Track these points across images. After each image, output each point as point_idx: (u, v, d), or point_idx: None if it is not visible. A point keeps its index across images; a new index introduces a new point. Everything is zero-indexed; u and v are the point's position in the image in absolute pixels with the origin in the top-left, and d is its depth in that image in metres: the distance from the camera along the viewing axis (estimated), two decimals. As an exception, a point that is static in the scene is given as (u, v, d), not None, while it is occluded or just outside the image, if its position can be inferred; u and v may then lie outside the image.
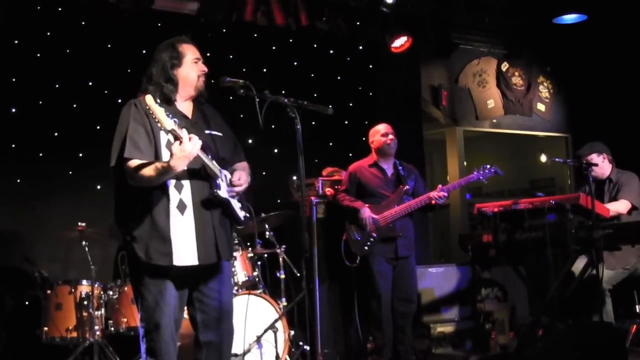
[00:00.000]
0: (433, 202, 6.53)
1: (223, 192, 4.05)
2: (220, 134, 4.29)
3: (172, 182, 3.97)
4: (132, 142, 3.90)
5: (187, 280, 4.09)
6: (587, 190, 6.46)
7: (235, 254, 6.30)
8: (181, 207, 3.98)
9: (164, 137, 3.94)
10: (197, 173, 4.02)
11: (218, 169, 4.05)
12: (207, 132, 4.19)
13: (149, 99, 3.60)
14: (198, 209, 4.02)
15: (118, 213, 4.18)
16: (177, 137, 3.65)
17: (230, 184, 4.12)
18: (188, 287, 4.14)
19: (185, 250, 3.97)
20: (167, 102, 4.05)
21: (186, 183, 4.01)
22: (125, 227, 4.10)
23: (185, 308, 4.26)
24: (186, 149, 3.66)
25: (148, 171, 3.83)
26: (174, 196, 3.98)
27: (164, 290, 3.99)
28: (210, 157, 4.00)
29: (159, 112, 3.58)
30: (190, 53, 4.18)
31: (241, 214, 4.22)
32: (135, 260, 4.01)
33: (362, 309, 6.85)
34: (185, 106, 4.21)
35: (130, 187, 3.97)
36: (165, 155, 3.91)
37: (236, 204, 4.19)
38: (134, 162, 3.88)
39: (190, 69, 4.15)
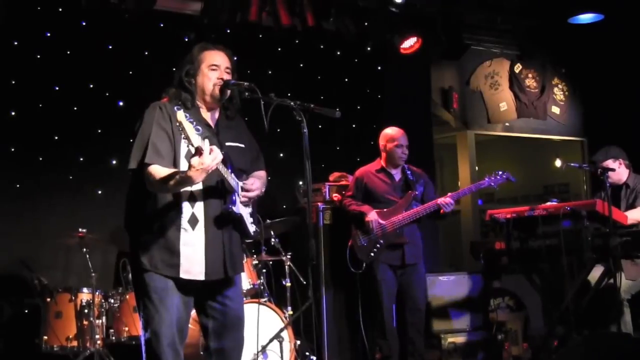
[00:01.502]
0: (441, 210, 6.52)
1: (237, 208, 4.07)
2: (242, 145, 4.30)
3: (185, 196, 3.99)
4: (154, 148, 3.92)
5: (194, 290, 4.11)
6: (603, 196, 6.44)
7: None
8: (193, 221, 4.01)
9: (184, 145, 3.95)
10: (214, 187, 4.04)
11: (235, 183, 4.07)
12: (228, 143, 4.19)
13: (180, 115, 3.60)
14: (209, 224, 4.04)
15: (128, 217, 4.19)
16: (198, 150, 3.65)
17: (243, 189, 4.12)
18: (195, 297, 4.16)
19: (192, 264, 4.00)
20: (187, 108, 4.06)
21: (200, 197, 4.02)
22: (133, 232, 4.12)
23: (196, 315, 4.30)
24: (205, 161, 3.66)
25: (166, 179, 3.85)
26: (186, 210, 4.00)
27: (166, 298, 4.00)
28: (229, 170, 4.02)
29: (189, 128, 3.59)
30: (208, 59, 4.16)
31: (252, 228, 4.24)
32: (138, 267, 4.04)
33: (367, 318, 6.84)
34: (210, 114, 4.22)
35: (144, 193, 3.99)
36: (183, 163, 3.94)
37: (248, 219, 4.21)
38: (153, 168, 3.89)
39: (206, 77, 4.14)
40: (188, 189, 3.96)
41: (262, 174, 4.43)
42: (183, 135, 3.61)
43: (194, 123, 3.76)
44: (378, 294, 6.54)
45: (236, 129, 4.33)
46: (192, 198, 4.01)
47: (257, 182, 4.22)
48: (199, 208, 4.03)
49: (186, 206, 4.00)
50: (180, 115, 3.61)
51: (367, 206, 6.64)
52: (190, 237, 4.00)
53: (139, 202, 4.06)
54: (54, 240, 6.89)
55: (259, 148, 4.50)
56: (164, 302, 3.99)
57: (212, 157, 3.68)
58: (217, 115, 4.26)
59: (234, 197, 4.06)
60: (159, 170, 3.88)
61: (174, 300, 4.03)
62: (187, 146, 3.74)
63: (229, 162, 4.04)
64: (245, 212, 4.18)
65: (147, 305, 4.02)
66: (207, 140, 3.70)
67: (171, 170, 3.87)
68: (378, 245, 6.53)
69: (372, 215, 6.56)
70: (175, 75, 4.19)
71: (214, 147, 3.70)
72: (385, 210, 6.60)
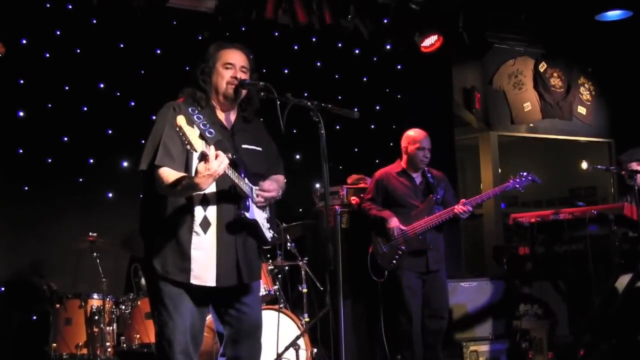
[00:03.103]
0: (461, 217, 6.47)
1: (251, 214, 4.07)
2: (259, 148, 4.30)
3: (198, 199, 4.00)
4: (165, 149, 3.93)
5: (209, 297, 4.13)
6: (630, 199, 6.40)
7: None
8: (204, 225, 4.02)
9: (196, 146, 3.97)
10: (227, 192, 4.04)
11: (249, 188, 4.07)
12: (244, 146, 4.20)
13: (180, 119, 3.61)
14: (222, 228, 4.05)
15: (142, 221, 4.23)
16: (203, 155, 3.66)
17: (260, 190, 4.13)
18: (210, 304, 4.19)
19: (204, 270, 4.01)
20: (201, 107, 4.09)
21: (213, 201, 4.03)
22: (146, 236, 4.15)
23: (212, 322, 4.33)
24: (212, 167, 3.67)
25: (174, 184, 3.87)
26: (198, 213, 4.01)
27: (180, 305, 4.02)
28: (242, 174, 4.03)
29: (190, 133, 3.60)
30: (223, 58, 4.17)
31: (268, 234, 4.24)
32: (152, 273, 4.06)
33: (388, 326, 6.83)
34: (225, 115, 4.23)
35: (157, 195, 4.02)
36: (195, 165, 3.94)
37: (264, 224, 4.21)
38: (163, 171, 3.92)
39: (220, 76, 4.15)
40: (200, 191, 3.96)
41: (279, 177, 4.43)
42: (185, 141, 3.61)
43: (207, 125, 3.80)
44: (404, 302, 6.52)
45: (254, 132, 4.33)
46: (205, 201, 4.02)
47: (274, 184, 4.21)
48: (212, 211, 4.03)
49: (198, 209, 4.01)
50: (181, 119, 3.61)
51: (388, 212, 6.62)
52: (202, 240, 4.01)
53: (152, 205, 4.09)
54: (63, 244, 6.92)
55: (279, 153, 4.50)
56: (178, 308, 4.01)
57: (219, 162, 3.68)
58: (233, 116, 4.26)
59: (247, 203, 4.06)
60: (168, 174, 3.90)
61: (188, 307, 4.04)
62: (187, 149, 3.75)
63: (242, 167, 4.05)
64: (261, 217, 4.18)
65: (161, 311, 4.04)
66: (212, 146, 3.71)
67: (179, 175, 3.89)
68: (400, 252, 6.51)
69: (394, 223, 6.53)
70: (192, 74, 4.20)
71: (220, 153, 3.70)
72: (406, 215, 6.58)
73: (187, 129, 3.59)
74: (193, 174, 3.81)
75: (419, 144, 6.65)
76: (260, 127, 4.40)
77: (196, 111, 3.99)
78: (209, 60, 4.17)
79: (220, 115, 4.20)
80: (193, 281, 3.99)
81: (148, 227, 4.15)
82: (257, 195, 4.11)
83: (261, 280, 6.28)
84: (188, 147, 3.64)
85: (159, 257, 4.01)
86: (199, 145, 3.63)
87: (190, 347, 4.05)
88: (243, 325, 4.19)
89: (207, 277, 4.02)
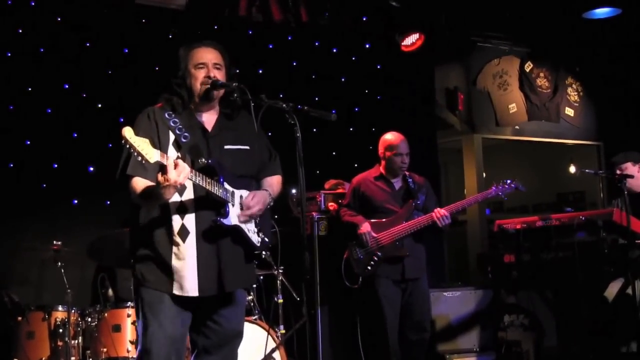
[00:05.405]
0: (439, 223, 6.46)
1: (230, 220, 4.07)
2: (246, 147, 4.29)
3: (174, 207, 4.02)
4: (137, 159, 3.91)
5: (191, 306, 4.13)
6: (620, 204, 6.43)
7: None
8: (183, 234, 4.03)
9: (172, 151, 4.01)
10: (204, 198, 4.05)
11: (230, 192, 4.08)
12: (226, 147, 4.20)
13: (125, 131, 3.59)
14: (202, 237, 4.06)
15: (130, 228, 4.30)
16: (160, 166, 3.67)
17: (242, 206, 4.13)
18: (192, 313, 4.18)
19: (185, 280, 4.03)
20: (178, 113, 4.11)
21: (191, 208, 4.05)
22: (131, 244, 4.21)
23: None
24: (170, 178, 3.67)
25: (141, 195, 3.92)
26: (176, 222, 4.04)
27: (159, 313, 4.04)
28: (220, 179, 4.02)
29: (139, 144, 3.59)
30: (194, 58, 4.17)
31: (256, 238, 4.24)
32: (135, 281, 4.13)
33: (366, 337, 6.83)
34: (207, 116, 4.23)
35: (135, 205, 4.07)
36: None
37: (250, 228, 4.21)
38: (135, 181, 3.96)
39: (193, 78, 4.16)
40: (177, 199, 3.99)
41: (271, 181, 4.45)
42: (134, 153, 3.61)
43: (183, 130, 3.89)
44: (381, 311, 6.53)
45: (239, 129, 4.30)
46: (182, 209, 4.03)
47: (257, 196, 4.21)
48: (190, 220, 4.05)
49: (176, 218, 4.03)
50: (127, 131, 3.59)
51: (361, 217, 6.64)
52: (182, 250, 4.03)
53: (135, 213, 4.13)
54: (26, 253, 6.88)
55: (271, 147, 4.50)
56: (158, 317, 4.04)
57: (178, 172, 3.68)
58: (214, 116, 4.26)
59: (227, 208, 4.06)
60: (138, 184, 3.95)
61: (168, 316, 4.06)
62: (170, 143, 3.75)
63: (220, 171, 4.04)
64: (244, 221, 4.18)
65: (141, 319, 4.09)
66: (170, 158, 3.73)
67: (146, 184, 3.93)
68: (375, 258, 6.52)
69: (365, 227, 6.54)
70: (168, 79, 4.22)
71: (179, 162, 3.71)
72: (384, 220, 6.59)
73: (135, 140, 3.58)
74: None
75: (396, 150, 6.64)
76: (247, 123, 4.30)
77: (172, 116, 4.05)
78: (181, 63, 4.18)
79: (200, 117, 4.20)
80: (175, 292, 4.03)
81: (132, 235, 4.23)
82: (240, 215, 4.11)
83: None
84: (139, 158, 3.63)
85: (141, 267, 4.08)
86: (153, 155, 3.62)
87: (171, 357, 4.06)
88: (218, 337, 4.22)
89: (189, 287, 4.04)
